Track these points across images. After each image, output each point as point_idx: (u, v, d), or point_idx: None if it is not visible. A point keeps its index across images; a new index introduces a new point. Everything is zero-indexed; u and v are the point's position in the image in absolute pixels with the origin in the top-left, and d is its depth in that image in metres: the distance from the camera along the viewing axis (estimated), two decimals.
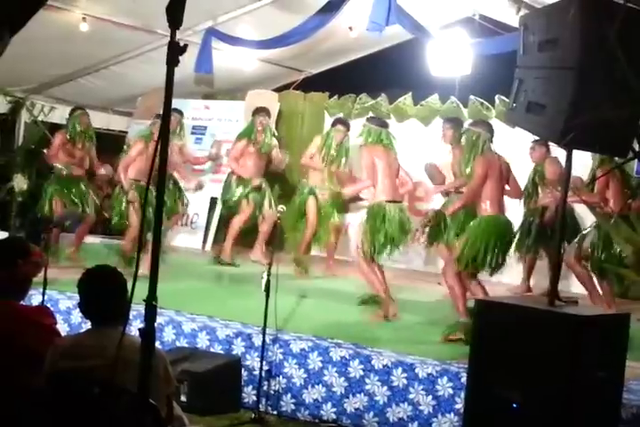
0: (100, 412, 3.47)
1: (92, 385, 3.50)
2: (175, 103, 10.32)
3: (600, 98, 4.53)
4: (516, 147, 9.11)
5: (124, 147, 9.47)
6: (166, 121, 3.04)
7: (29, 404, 3.74)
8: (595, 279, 8.07)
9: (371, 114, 11.14)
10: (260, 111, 10.19)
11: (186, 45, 2.97)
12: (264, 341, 6.17)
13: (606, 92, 4.55)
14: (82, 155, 9.45)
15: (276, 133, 10.62)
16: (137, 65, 11.29)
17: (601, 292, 8.01)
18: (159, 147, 2.95)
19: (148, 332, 2.97)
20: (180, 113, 9.82)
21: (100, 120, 11.82)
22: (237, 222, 9.99)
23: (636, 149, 4.80)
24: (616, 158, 7.53)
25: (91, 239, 10.31)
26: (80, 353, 3.62)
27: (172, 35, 2.98)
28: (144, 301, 2.92)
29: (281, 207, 7.40)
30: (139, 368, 2.99)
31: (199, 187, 10.30)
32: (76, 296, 6.83)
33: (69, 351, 3.67)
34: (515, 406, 4.69)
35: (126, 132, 12.09)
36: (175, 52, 2.96)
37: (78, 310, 6.57)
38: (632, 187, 7.95)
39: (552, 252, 5.82)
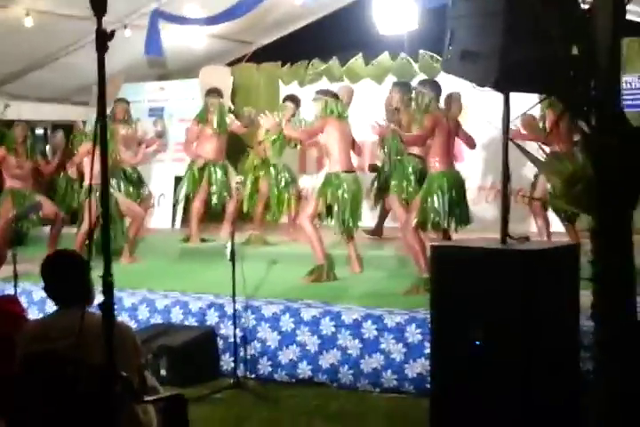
0: (75, 390, 3.59)
1: (65, 365, 3.62)
2: (130, 87, 10.43)
3: (532, 37, 4.66)
4: (471, 96, 9.19)
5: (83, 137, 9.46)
6: (103, 115, 3.14)
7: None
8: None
9: (325, 79, 11.26)
10: (211, 92, 10.27)
11: (113, 31, 3.02)
12: (235, 308, 6.29)
13: (531, 33, 4.67)
14: (28, 165, 9.45)
15: (232, 108, 10.69)
16: (87, 54, 11.11)
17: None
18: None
19: (107, 305, 3.08)
20: (127, 102, 9.92)
21: (58, 112, 11.85)
22: (198, 206, 10.12)
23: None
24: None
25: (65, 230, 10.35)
26: (49, 335, 3.72)
27: (99, 22, 3.02)
28: (99, 277, 3.04)
29: (239, 178, 7.51)
30: (118, 348, 3.11)
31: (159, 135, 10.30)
32: (20, 285, 7.05)
33: (39, 334, 3.76)
34: (477, 343, 4.83)
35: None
36: (103, 38, 3.02)
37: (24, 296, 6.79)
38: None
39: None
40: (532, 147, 7.90)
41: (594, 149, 4.18)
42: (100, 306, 3.07)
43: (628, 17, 4.83)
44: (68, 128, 10.86)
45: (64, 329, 3.68)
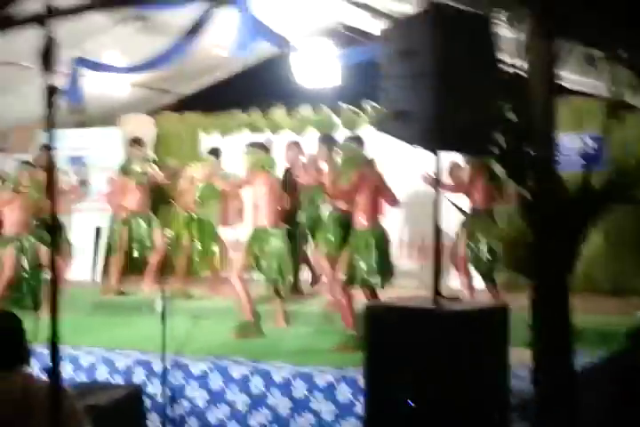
0: None
1: None
2: (46, 135, 10.21)
3: (460, 103, 4.79)
4: (391, 151, 9.36)
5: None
6: (51, 168, 3.09)
7: None
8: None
9: (246, 130, 11.31)
10: (134, 142, 10.19)
11: (55, 88, 3.01)
12: (164, 366, 6.21)
13: (464, 96, 4.80)
14: None
15: (155, 159, 10.64)
16: (5, 99, 11.14)
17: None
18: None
19: (55, 371, 3.00)
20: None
21: None
22: (119, 258, 10.00)
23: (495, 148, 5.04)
24: None
25: None
26: None
27: (48, 79, 3.00)
28: (48, 340, 2.97)
29: (169, 232, 7.46)
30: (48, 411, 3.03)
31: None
32: None
33: None
34: (410, 403, 4.87)
35: None
36: (52, 94, 3.01)
37: None
38: (499, 181, 8.30)
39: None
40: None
41: (534, 216, 4.30)
42: (48, 372, 2.99)
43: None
44: None
45: (4, 394, 3.59)
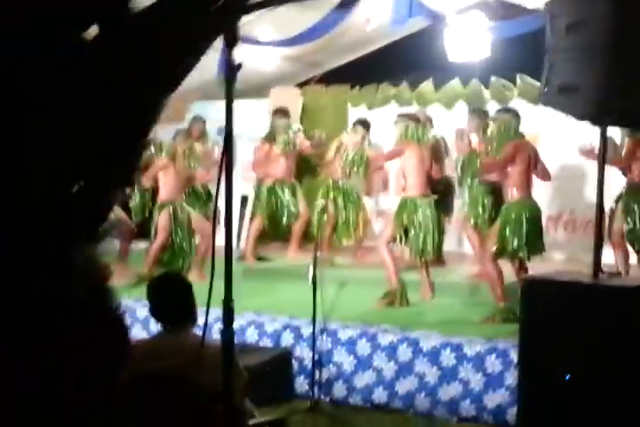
0: (183, 412, 3.62)
1: (175, 385, 3.66)
2: (201, 105, 10.43)
3: (628, 75, 4.67)
4: (540, 124, 9.19)
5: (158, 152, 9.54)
6: (230, 139, 3.17)
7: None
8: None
9: (393, 103, 11.26)
10: (278, 112, 10.31)
11: (240, 64, 3.10)
12: (313, 331, 6.29)
13: (635, 70, 4.67)
14: None
15: (302, 129, 10.74)
16: None
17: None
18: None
19: (228, 332, 3.11)
20: (201, 119, 10.06)
21: None
22: (257, 224, 10.12)
23: None
24: None
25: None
26: (157, 355, 3.79)
27: (230, 53, 3.08)
28: (223, 302, 3.06)
29: (322, 201, 7.54)
30: (217, 368, 3.13)
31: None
32: (124, 301, 7.08)
33: (147, 354, 3.79)
34: (567, 378, 4.79)
35: None
36: (233, 69, 3.10)
37: (126, 314, 6.82)
38: None
39: None
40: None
41: None
42: (223, 333, 3.09)
43: None
44: None
45: (172, 349, 3.73)
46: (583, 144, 7.74)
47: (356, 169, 9.72)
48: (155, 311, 3.95)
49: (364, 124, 9.80)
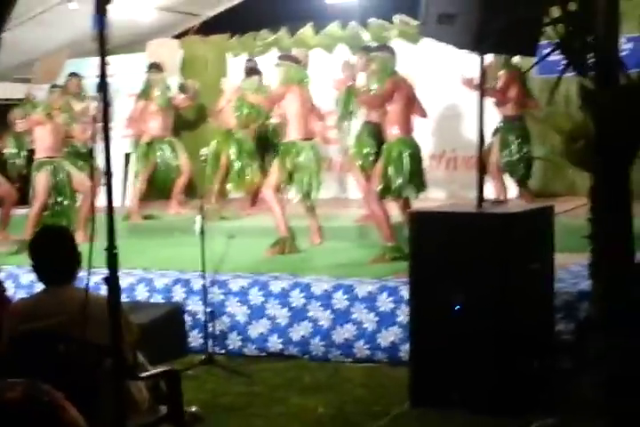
0: (69, 369, 3.50)
1: (56, 342, 3.54)
2: (75, 63, 10.10)
3: (505, 1, 4.64)
4: (419, 64, 9.21)
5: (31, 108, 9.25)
6: (104, 78, 3.02)
7: None
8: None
9: (274, 50, 11.10)
10: (152, 67, 10.07)
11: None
12: (204, 283, 6.19)
13: None
14: None
15: (181, 82, 10.53)
16: (30, 29, 11.01)
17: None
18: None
19: (112, 280, 3.00)
20: (78, 76, 9.74)
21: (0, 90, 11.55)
22: (140, 183, 9.92)
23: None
24: (517, 58, 7.75)
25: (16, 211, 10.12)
26: (39, 313, 3.63)
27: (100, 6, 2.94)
28: (105, 249, 2.95)
29: (204, 150, 7.42)
30: (104, 322, 3.02)
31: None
32: (6, 268, 6.87)
33: (28, 313, 3.68)
34: (457, 308, 4.82)
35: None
36: (103, 1, 2.94)
37: (10, 281, 6.62)
38: (528, 87, 8.19)
39: None
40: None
41: (594, 103, 4.16)
42: (106, 280, 2.98)
43: None
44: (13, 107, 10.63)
45: (54, 306, 3.60)
46: (463, 74, 7.79)
47: (242, 116, 9.53)
48: (37, 268, 3.78)
49: (256, 71, 9.65)
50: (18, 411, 1.62)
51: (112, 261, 3.01)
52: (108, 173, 3.11)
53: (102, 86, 3.08)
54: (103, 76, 3.02)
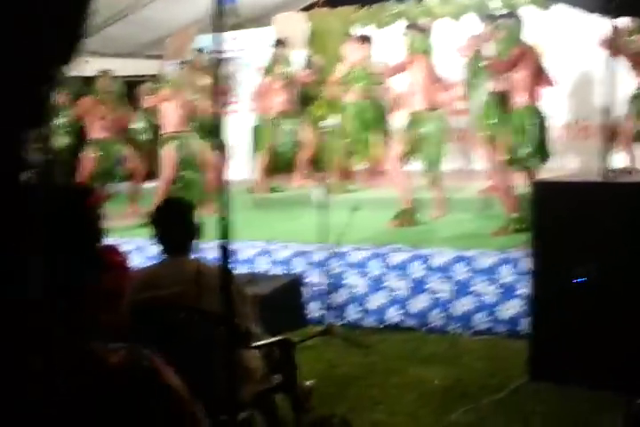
0: (188, 336, 3.56)
1: (176, 311, 3.60)
2: (203, 39, 10.19)
3: None
4: (550, 30, 8.91)
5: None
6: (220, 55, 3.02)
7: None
8: None
9: (401, 20, 10.94)
10: (278, 44, 10.08)
11: None
12: (325, 255, 6.19)
13: None
14: (112, 116, 9.47)
15: (308, 56, 10.52)
16: (160, 7, 11.22)
17: None
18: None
19: (226, 249, 3.01)
20: (204, 51, 9.93)
21: (133, 67, 11.81)
22: (263, 157, 9.96)
23: None
24: None
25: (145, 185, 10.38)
26: (158, 283, 3.71)
27: None
28: (220, 219, 2.96)
29: (326, 122, 7.41)
30: (217, 291, 3.05)
31: None
32: (135, 240, 7.05)
33: (148, 282, 3.76)
34: (582, 280, 4.64)
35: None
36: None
37: (137, 252, 6.78)
38: None
39: None
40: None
41: None
42: (222, 248, 2.99)
43: None
44: (140, 83, 10.87)
45: (172, 276, 3.67)
46: (600, 35, 7.45)
47: (364, 85, 9.38)
48: (157, 237, 3.85)
49: (367, 39, 9.45)
50: (120, 375, 1.63)
51: (225, 231, 2.99)
52: (221, 145, 3.11)
53: (218, 63, 3.05)
54: (218, 50, 3.00)
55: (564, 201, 4.81)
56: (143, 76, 11.47)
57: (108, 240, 6.69)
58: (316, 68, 10.03)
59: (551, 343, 4.90)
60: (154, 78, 10.59)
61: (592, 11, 4.90)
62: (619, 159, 7.83)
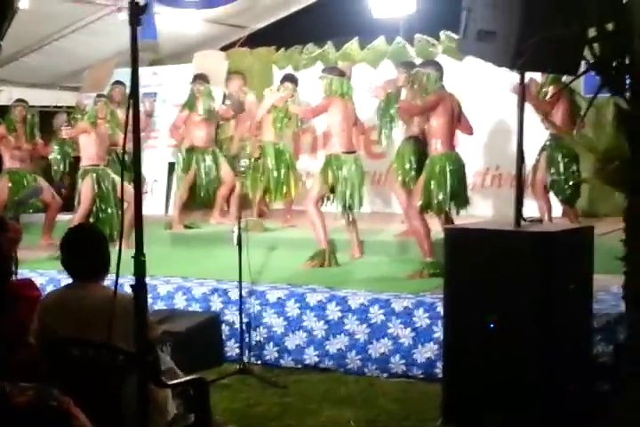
0: (96, 374, 3.55)
1: (85, 347, 3.60)
2: (122, 73, 10.18)
3: (549, 17, 4.63)
4: (464, 80, 9.20)
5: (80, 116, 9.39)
6: (135, 84, 3.08)
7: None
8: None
9: (319, 64, 11.15)
10: (197, 78, 10.10)
11: (146, 5, 3.01)
12: (240, 293, 6.23)
13: (554, 10, 4.64)
14: (27, 146, 9.39)
15: (227, 93, 10.58)
16: (81, 38, 11.18)
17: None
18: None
19: (139, 286, 3.04)
20: (122, 84, 9.89)
21: (49, 97, 11.71)
22: (182, 192, 9.93)
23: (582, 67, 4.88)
24: (565, 77, 7.66)
25: (60, 217, 10.25)
26: (65, 306, 3.74)
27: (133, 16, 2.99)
28: (132, 257, 2.99)
29: (244, 161, 7.46)
30: (128, 319, 3.08)
31: None
32: (49, 273, 6.96)
33: (52, 306, 3.79)
34: (492, 326, 4.79)
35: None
36: (136, 12, 2.99)
37: (51, 285, 6.69)
38: (578, 106, 8.08)
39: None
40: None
41: (628, 123, 4.13)
42: (133, 287, 3.02)
43: None
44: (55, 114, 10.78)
45: (78, 301, 3.69)
46: (512, 82, 7.72)
47: (281, 126, 9.49)
48: (65, 263, 3.86)
49: (293, 80, 9.60)
50: (26, 415, 1.62)
51: (139, 269, 3.03)
52: (138, 180, 3.18)
53: (134, 95, 3.11)
54: (135, 85, 3.06)
55: (475, 248, 4.95)
56: (59, 107, 11.39)
57: (21, 273, 6.59)
58: (237, 103, 10.08)
59: (462, 387, 5.01)
60: (70, 109, 10.52)
61: (500, 65, 5.05)
62: (532, 208, 8.14)
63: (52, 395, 1.69)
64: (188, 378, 4.02)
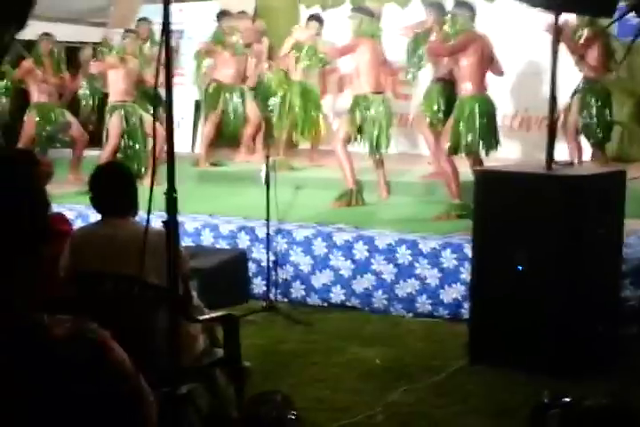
0: (129, 308, 3.58)
1: (118, 280, 3.63)
2: (148, 9, 10.09)
3: None
4: (495, 22, 9.05)
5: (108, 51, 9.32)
6: (167, 21, 3.04)
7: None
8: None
9: (347, 3, 10.98)
10: (223, 15, 10.01)
11: None
12: (268, 231, 6.24)
13: None
14: (54, 80, 9.34)
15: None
16: None
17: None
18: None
19: (171, 222, 3.04)
20: (148, 21, 9.77)
21: (74, 33, 11.61)
22: (208, 130, 9.92)
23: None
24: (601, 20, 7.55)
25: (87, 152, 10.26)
26: (95, 241, 3.76)
27: None
28: (164, 194, 2.99)
29: (273, 100, 7.42)
30: (159, 253, 3.09)
31: None
32: (76, 207, 6.99)
33: (83, 242, 3.81)
34: (520, 268, 4.80)
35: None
36: None
37: (80, 220, 6.72)
38: (612, 50, 7.96)
39: None
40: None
41: None
42: (165, 223, 3.02)
43: None
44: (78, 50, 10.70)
45: (109, 236, 3.68)
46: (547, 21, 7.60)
47: (310, 65, 9.40)
48: (94, 200, 3.86)
49: (318, 19, 9.51)
50: (64, 347, 1.62)
51: (171, 205, 3.03)
52: (169, 117, 3.15)
53: (166, 31, 3.07)
54: (166, 21, 3.02)
55: (505, 191, 4.94)
56: (85, 42, 11.29)
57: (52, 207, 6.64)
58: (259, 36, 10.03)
59: (489, 328, 5.05)
60: (96, 45, 10.44)
61: (535, 6, 4.96)
62: (562, 151, 8.06)
63: (90, 328, 1.69)
64: (218, 314, 4.04)
